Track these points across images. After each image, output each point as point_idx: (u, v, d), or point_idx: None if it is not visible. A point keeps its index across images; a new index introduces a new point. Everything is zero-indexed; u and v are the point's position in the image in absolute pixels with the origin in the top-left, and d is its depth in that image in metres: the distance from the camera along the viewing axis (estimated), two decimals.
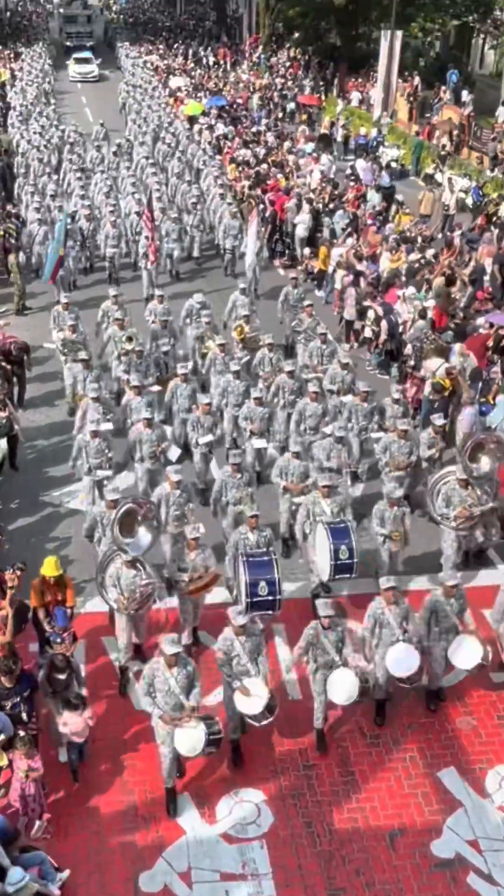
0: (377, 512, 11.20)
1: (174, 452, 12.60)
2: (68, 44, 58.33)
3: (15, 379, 15.22)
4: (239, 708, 8.86)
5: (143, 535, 9.88)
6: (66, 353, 15.18)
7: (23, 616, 9.81)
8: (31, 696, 8.71)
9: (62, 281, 19.09)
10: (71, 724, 8.59)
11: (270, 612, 10.16)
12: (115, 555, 9.93)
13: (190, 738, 8.34)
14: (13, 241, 20.56)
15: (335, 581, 10.86)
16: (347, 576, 10.64)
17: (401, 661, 9.32)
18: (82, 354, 14.30)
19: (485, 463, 11.57)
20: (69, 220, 19.89)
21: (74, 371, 14.24)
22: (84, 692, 9.29)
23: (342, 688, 9.10)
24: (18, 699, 8.54)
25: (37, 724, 8.71)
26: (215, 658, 9.02)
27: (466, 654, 9.54)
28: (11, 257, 19.50)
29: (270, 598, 10.03)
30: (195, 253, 22.32)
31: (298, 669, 9.97)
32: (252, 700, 8.77)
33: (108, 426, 12.64)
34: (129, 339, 15.06)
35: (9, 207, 22.83)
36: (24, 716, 8.55)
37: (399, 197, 25.20)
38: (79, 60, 50.27)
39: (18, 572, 9.87)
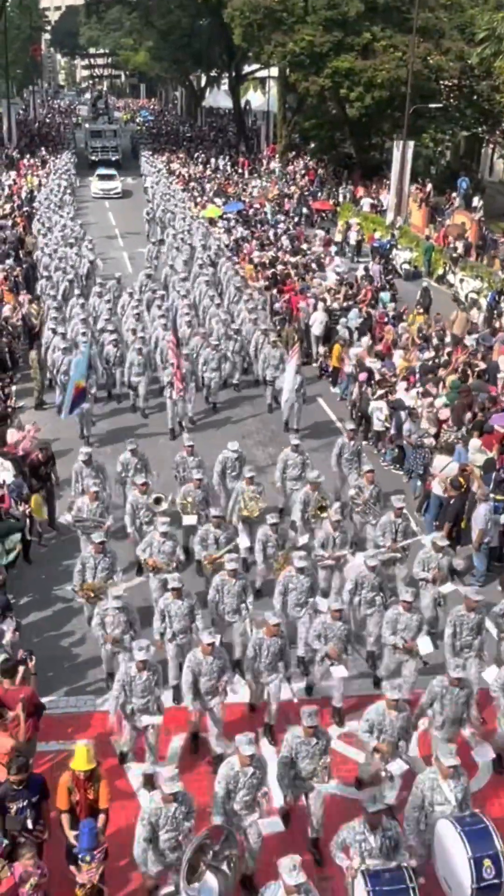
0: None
1: (237, 685, 10.41)
2: (94, 158, 57.74)
3: (43, 492, 14.45)
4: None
5: (210, 880, 7.84)
6: (80, 532, 13.26)
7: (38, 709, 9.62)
8: (40, 803, 8.32)
9: (84, 419, 17.96)
10: None
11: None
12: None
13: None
14: (35, 320, 22.01)
15: None
16: None
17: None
18: (97, 537, 11.76)
19: None
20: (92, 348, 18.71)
21: (85, 557, 11.78)
22: None
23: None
24: (25, 803, 8.17)
25: (43, 832, 8.37)
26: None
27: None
28: (33, 353, 19.93)
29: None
30: (234, 379, 21.12)
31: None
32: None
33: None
34: (158, 500, 13.17)
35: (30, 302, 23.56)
36: (30, 822, 8.20)
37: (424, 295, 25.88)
38: (102, 177, 49.59)
39: (31, 661, 9.75)
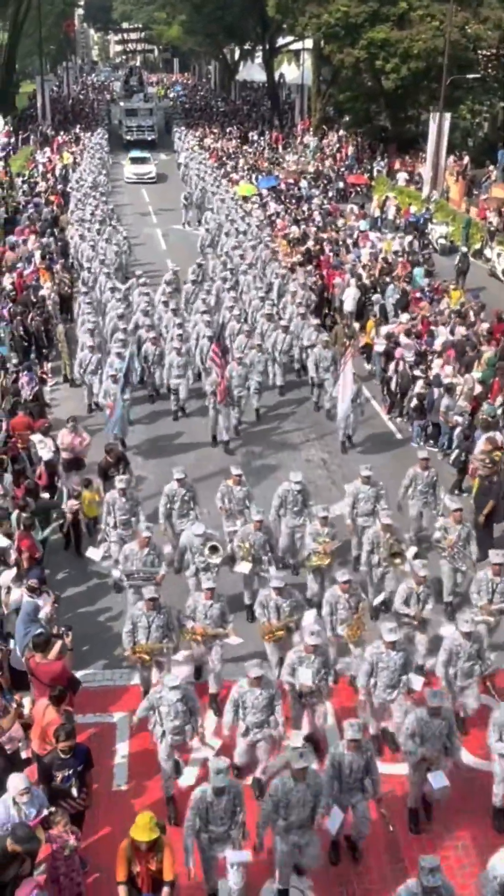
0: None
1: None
2: (129, 138, 55.64)
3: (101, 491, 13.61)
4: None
5: None
6: (130, 586, 11.64)
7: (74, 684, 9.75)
8: (84, 772, 8.49)
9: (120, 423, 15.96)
10: None
11: None
12: None
13: None
14: (68, 289, 21.72)
15: None
16: None
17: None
18: (149, 592, 10.21)
19: None
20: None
21: (136, 615, 10.20)
22: None
23: None
24: (71, 772, 8.36)
25: (85, 802, 8.53)
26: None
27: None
28: (60, 327, 20.04)
29: None
30: (278, 381, 19.41)
31: None
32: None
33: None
34: (214, 549, 11.44)
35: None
36: (74, 790, 8.39)
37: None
38: (135, 160, 46.78)
39: (68, 636, 9.82)
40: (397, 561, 11.50)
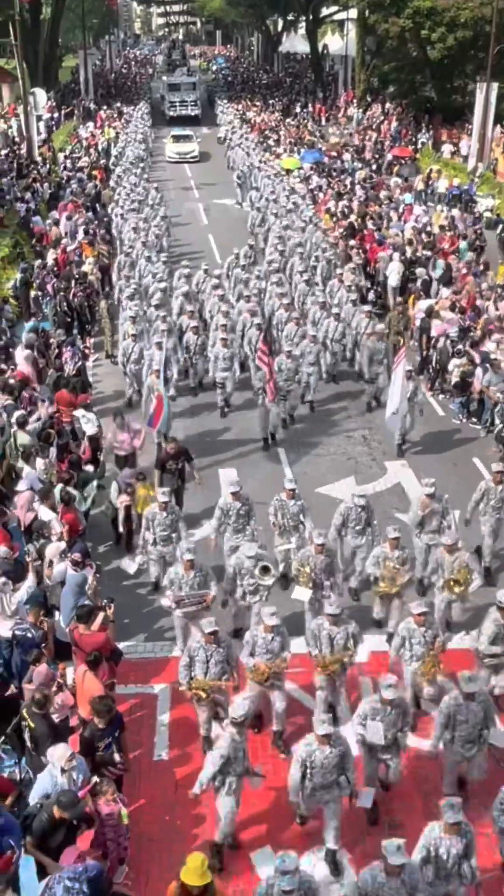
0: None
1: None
2: (171, 113, 54.29)
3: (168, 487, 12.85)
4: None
5: None
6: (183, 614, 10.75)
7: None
8: (120, 735, 8.70)
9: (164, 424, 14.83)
10: None
11: None
12: None
13: None
14: (106, 260, 21.77)
15: None
16: None
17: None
18: (207, 625, 9.43)
19: None
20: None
21: (193, 648, 9.39)
22: None
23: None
24: (110, 740, 8.57)
25: (125, 766, 8.71)
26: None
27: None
28: (103, 303, 20.14)
29: None
30: (329, 370, 18.47)
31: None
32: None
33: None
34: (266, 570, 10.60)
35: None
36: (117, 756, 8.58)
37: None
38: (177, 138, 44.93)
39: (110, 608, 9.91)
40: (457, 590, 10.60)
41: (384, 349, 17.14)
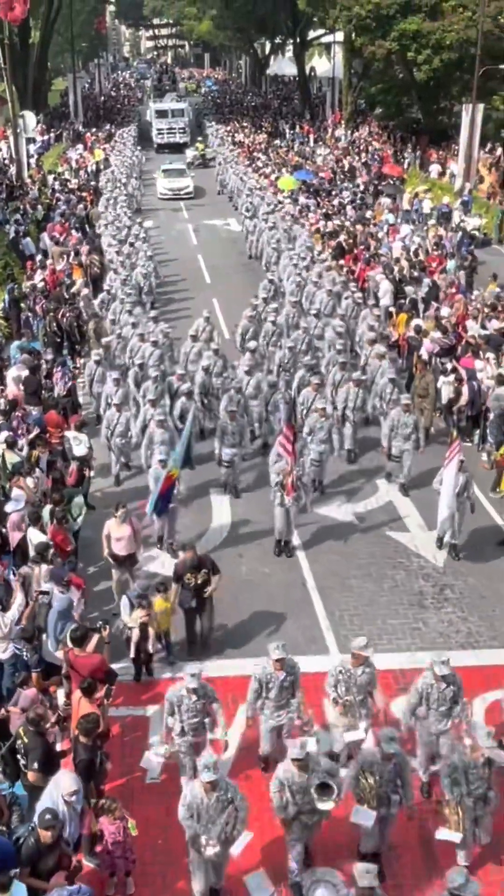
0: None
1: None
2: (159, 140, 52.97)
3: None
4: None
5: None
6: None
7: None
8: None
9: (170, 516, 13.32)
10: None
11: None
12: None
13: None
14: (97, 269, 22.27)
15: None
16: None
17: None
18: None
19: None
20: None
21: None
22: None
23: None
24: (100, 752, 8.76)
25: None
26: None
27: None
28: (91, 324, 20.15)
29: None
30: (347, 444, 16.15)
31: None
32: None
33: None
34: (325, 787, 7.95)
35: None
36: (109, 765, 8.84)
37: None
38: (168, 172, 41.78)
39: (105, 630, 9.86)
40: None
41: (412, 423, 14.84)
